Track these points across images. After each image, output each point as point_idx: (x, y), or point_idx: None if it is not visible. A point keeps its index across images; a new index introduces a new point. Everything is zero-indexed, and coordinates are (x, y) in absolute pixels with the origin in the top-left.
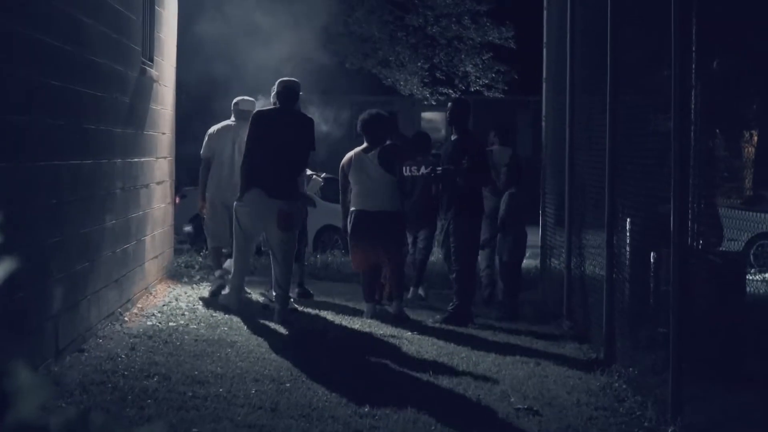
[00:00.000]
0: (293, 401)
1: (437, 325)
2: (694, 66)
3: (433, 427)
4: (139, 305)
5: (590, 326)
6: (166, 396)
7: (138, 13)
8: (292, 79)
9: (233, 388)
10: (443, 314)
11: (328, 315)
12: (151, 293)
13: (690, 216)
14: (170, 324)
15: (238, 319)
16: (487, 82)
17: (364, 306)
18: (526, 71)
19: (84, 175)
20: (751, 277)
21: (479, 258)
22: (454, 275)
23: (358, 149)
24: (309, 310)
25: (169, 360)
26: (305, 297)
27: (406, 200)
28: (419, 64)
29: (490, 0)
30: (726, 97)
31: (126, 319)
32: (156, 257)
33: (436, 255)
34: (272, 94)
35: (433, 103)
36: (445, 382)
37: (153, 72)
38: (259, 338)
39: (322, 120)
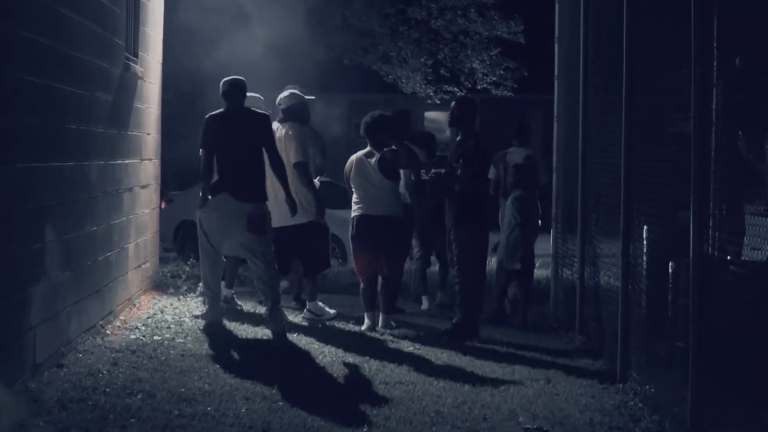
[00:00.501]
0: (286, 421)
1: (437, 342)
2: (715, 63)
3: None
4: (122, 317)
5: (604, 340)
6: (151, 415)
7: (122, 6)
8: (238, 77)
9: (222, 406)
10: (447, 328)
11: (324, 330)
12: (134, 305)
13: (711, 223)
14: (155, 338)
15: (228, 333)
16: (494, 79)
17: (364, 316)
18: (537, 68)
19: (64, 178)
20: None
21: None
22: (457, 286)
23: (360, 153)
24: (304, 323)
25: (154, 376)
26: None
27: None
28: (422, 60)
29: None
30: (749, 96)
31: (108, 332)
32: (140, 266)
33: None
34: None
35: (437, 101)
36: (449, 400)
37: (138, 68)
38: (250, 353)
39: (320, 119)
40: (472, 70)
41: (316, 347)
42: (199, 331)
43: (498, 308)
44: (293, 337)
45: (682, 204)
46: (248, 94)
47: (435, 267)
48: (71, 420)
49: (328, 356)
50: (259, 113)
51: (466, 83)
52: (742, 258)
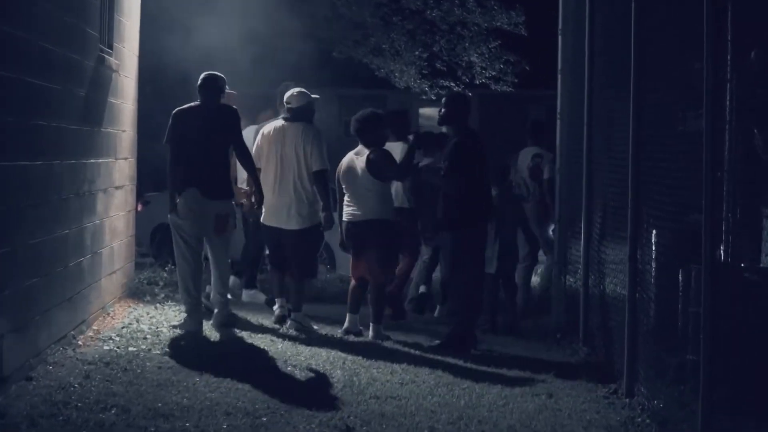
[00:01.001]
0: None
1: (432, 353)
2: (729, 57)
3: None
4: (95, 327)
5: (610, 352)
6: (125, 431)
7: None
8: (215, 72)
9: (201, 422)
10: (440, 341)
11: (311, 341)
12: (108, 314)
13: (724, 227)
14: (130, 349)
15: (207, 344)
16: (494, 73)
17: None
18: (539, 62)
19: (33, 178)
20: None
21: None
22: (449, 296)
23: (351, 152)
24: (291, 333)
25: (129, 390)
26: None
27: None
28: (417, 53)
29: None
30: (765, 91)
31: (80, 343)
32: (114, 273)
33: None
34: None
35: (433, 97)
36: (443, 416)
37: (112, 61)
38: (232, 365)
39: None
40: (470, 63)
41: (302, 359)
42: (177, 342)
43: (492, 317)
44: (279, 348)
45: (693, 206)
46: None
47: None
48: None
49: (315, 369)
50: (229, 108)
51: (464, 78)
52: (758, 264)
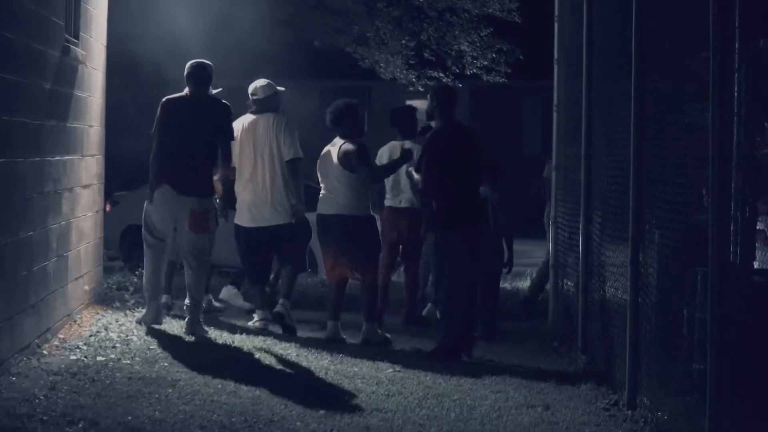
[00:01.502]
0: None
1: (422, 362)
2: (736, 45)
3: None
4: (61, 336)
5: (610, 361)
6: None
7: None
8: (203, 60)
9: None
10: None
11: (291, 349)
12: (75, 321)
13: (732, 228)
14: (98, 358)
15: (181, 354)
16: (486, 63)
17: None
18: (534, 51)
19: None
20: None
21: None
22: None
23: (329, 145)
24: (270, 341)
25: (97, 402)
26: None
27: None
28: (403, 41)
29: None
30: None
31: (45, 352)
32: (81, 277)
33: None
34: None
35: (420, 89)
36: (432, 430)
37: (79, 51)
38: (207, 376)
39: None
40: (461, 53)
41: (281, 369)
42: (148, 351)
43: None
44: (258, 357)
45: (699, 206)
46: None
47: None
48: None
49: (295, 379)
50: (223, 103)
51: (454, 68)
52: (752, 266)
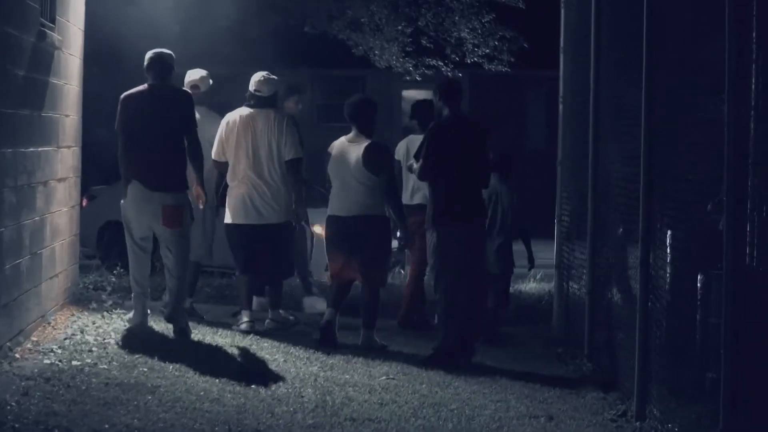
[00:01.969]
0: None
1: (417, 367)
2: (754, 34)
3: None
4: (34, 338)
5: (618, 369)
6: None
7: None
8: (164, 50)
9: None
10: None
11: (279, 354)
12: (49, 323)
13: (748, 227)
14: (74, 363)
15: (162, 358)
16: (487, 51)
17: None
18: (539, 39)
19: None
20: None
21: None
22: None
23: (343, 138)
24: (256, 345)
25: (72, 409)
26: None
27: None
28: (400, 27)
29: None
30: None
31: (17, 356)
32: (56, 276)
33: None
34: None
35: (418, 78)
36: None
37: (55, 36)
38: (188, 382)
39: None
40: (461, 40)
41: (268, 375)
42: (126, 355)
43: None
44: (242, 363)
45: (713, 204)
46: (198, 70)
47: None
48: None
49: (283, 387)
50: (182, 91)
51: (453, 56)
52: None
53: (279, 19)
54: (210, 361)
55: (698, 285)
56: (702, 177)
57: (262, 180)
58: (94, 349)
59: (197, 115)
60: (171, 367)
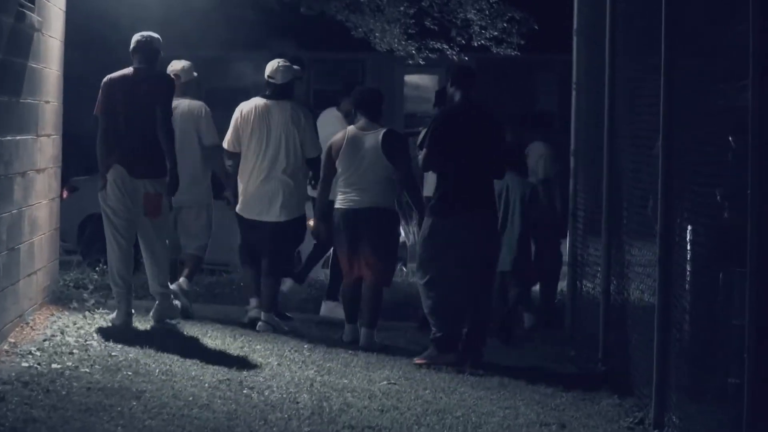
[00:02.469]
0: None
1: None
2: None
3: None
4: (11, 339)
5: (635, 373)
6: None
7: None
8: (152, 33)
9: None
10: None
11: (272, 357)
12: (27, 323)
13: None
14: (54, 366)
15: (147, 361)
16: (495, 34)
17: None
18: (551, 20)
19: None
20: None
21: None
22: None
23: (352, 127)
24: (248, 347)
25: (52, 416)
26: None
27: None
28: (402, 8)
29: None
30: None
31: None
32: (35, 273)
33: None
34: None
35: (421, 62)
36: None
37: (34, 18)
38: (176, 387)
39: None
40: (467, 21)
41: (262, 380)
42: (109, 358)
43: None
44: (234, 366)
45: (736, 198)
46: (181, 61)
47: None
48: None
49: (277, 392)
50: (164, 75)
51: (459, 39)
52: None
53: (273, 0)
54: (199, 364)
55: (720, 284)
56: (724, 169)
57: (275, 176)
58: (75, 351)
59: (175, 105)
60: (157, 370)
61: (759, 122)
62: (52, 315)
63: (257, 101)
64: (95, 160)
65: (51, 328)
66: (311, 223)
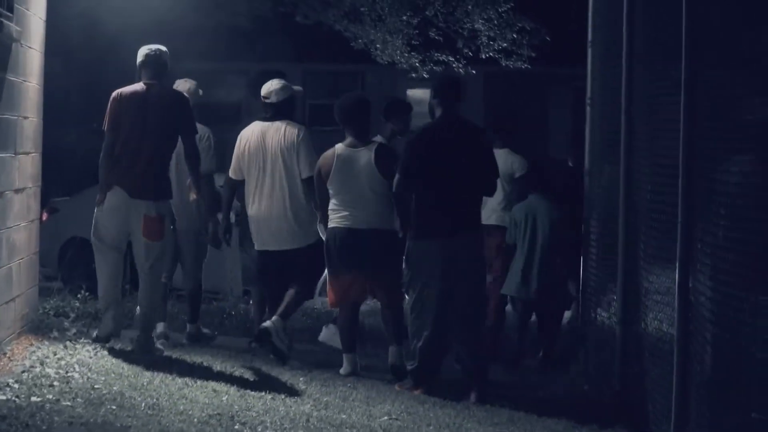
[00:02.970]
0: None
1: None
2: None
3: None
4: None
5: (652, 408)
6: None
7: None
8: (159, 46)
9: None
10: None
11: (266, 390)
12: (5, 354)
13: None
14: (33, 399)
15: (132, 394)
16: (505, 45)
17: (343, 360)
18: (563, 31)
19: None
20: None
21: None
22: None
23: (341, 145)
24: (240, 380)
25: None
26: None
27: None
28: (405, 18)
29: None
30: None
31: None
32: (12, 301)
33: None
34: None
35: (425, 75)
36: None
37: (13, 27)
38: (163, 422)
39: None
40: (474, 32)
41: (254, 415)
42: (93, 391)
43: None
44: (224, 400)
45: (763, 221)
46: (187, 80)
47: None
48: None
49: (271, 428)
50: (179, 93)
51: (466, 51)
52: None
53: (267, 7)
54: (187, 397)
55: (744, 314)
56: (749, 190)
57: (278, 202)
58: (55, 383)
59: None
60: (143, 404)
61: None
62: (31, 345)
63: (254, 126)
64: (77, 180)
65: (30, 358)
66: None
